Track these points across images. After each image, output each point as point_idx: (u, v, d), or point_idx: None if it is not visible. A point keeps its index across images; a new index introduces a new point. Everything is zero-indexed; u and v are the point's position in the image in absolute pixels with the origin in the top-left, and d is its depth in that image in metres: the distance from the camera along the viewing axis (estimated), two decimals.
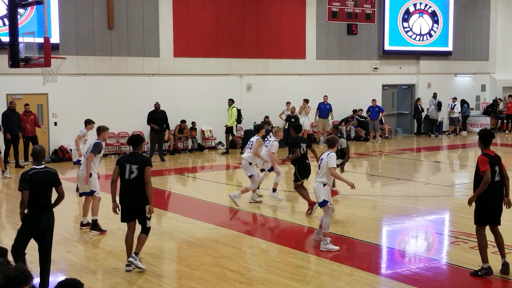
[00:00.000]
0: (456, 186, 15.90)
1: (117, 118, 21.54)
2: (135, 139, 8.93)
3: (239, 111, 22.92)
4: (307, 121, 24.45)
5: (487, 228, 8.53)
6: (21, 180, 7.68)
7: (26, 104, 19.45)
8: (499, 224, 8.52)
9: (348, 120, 26.72)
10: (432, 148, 24.42)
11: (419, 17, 28.82)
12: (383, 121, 27.33)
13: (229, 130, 22.73)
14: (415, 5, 28.67)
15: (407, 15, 28.44)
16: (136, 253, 8.71)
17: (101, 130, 11.47)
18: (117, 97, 21.70)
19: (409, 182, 16.41)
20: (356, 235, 10.57)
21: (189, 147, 23.01)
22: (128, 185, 8.60)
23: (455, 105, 28.82)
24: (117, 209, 8.85)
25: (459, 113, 28.96)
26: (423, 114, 28.53)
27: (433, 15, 29.17)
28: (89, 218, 11.24)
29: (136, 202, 8.62)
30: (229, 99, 22.70)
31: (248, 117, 24.36)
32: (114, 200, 8.87)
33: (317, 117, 25.22)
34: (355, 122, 26.95)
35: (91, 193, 11.21)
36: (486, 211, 8.40)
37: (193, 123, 23.10)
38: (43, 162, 7.96)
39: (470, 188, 15.58)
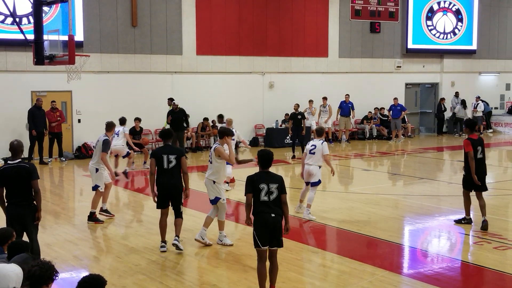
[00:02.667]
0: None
1: (140, 116, 21.59)
2: (168, 133, 9.66)
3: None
4: (313, 122, 24.07)
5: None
6: None
7: (53, 101, 19.69)
8: (482, 191, 10.86)
9: (369, 118, 26.58)
10: (456, 147, 24.18)
11: (443, 15, 28.56)
12: (406, 119, 27.16)
13: None
14: (439, 3, 28.41)
15: (431, 13, 28.20)
16: (177, 236, 9.46)
17: (111, 126, 11.92)
18: (140, 95, 21.84)
19: (431, 181, 16.28)
20: (378, 234, 10.51)
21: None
22: (167, 173, 9.27)
23: (478, 104, 28.52)
24: (155, 198, 9.46)
25: (482, 111, 28.66)
26: (445, 114, 28.24)
27: (457, 13, 28.88)
28: (96, 211, 11.64)
29: (174, 189, 9.35)
30: (169, 98, 21.10)
31: (270, 116, 24.38)
32: (153, 190, 9.50)
33: (339, 116, 25.11)
34: (377, 120, 26.81)
35: (95, 187, 11.55)
36: (471, 180, 10.73)
37: (213, 121, 23.12)
38: (21, 157, 8.17)
39: (494, 188, 15.48)
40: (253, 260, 9.04)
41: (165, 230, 9.57)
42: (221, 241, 9.86)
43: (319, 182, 11.65)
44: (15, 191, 7.83)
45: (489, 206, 12.86)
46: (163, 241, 9.58)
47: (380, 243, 10.11)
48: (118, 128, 15.87)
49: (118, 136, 15.90)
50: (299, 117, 21.23)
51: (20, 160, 8.01)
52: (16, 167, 7.83)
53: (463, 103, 27.95)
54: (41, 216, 8.16)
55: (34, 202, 7.98)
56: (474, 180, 10.67)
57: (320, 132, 11.85)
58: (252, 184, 7.23)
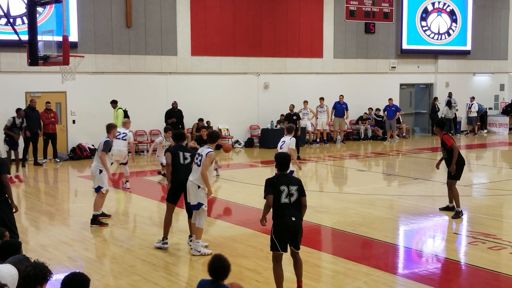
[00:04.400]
0: (474, 186, 15.78)
1: (134, 116, 21.57)
2: (182, 134, 10.08)
3: (125, 112, 20.44)
4: (309, 123, 24.22)
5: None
6: None
7: (48, 102, 19.65)
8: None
9: (363, 119, 26.63)
10: None
11: (437, 16, 28.63)
12: (401, 120, 27.22)
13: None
14: (433, 4, 28.49)
15: (425, 14, 28.27)
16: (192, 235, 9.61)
17: (112, 127, 11.88)
18: (134, 96, 21.81)
19: (426, 181, 16.30)
20: (373, 235, 10.53)
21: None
22: (184, 169, 9.46)
23: (472, 104, 28.60)
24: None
25: (477, 112, 28.73)
26: (439, 114, 28.28)
27: (452, 14, 28.96)
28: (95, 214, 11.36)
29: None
30: (112, 101, 20.28)
31: (265, 116, 24.40)
32: (170, 181, 9.70)
33: (333, 116, 25.14)
34: (372, 121, 26.85)
35: (98, 188, 11.52)
36: (460, 170, 11.88)
37: (208, 122, 23.08)
38: None
39: (488, 188, 15.54)
40: (249, 261, 9.05)
41: (170, 227, 9.71)
42: (199, 251, 9.27)
43: (291, 173, 11.47)
44: None
45: (483, 206, 12.94)
46: (166, 237, 9.65)
47: (375, 244, 10.13)
48: (125, 131, 15.08)
49: (123, 140, 14.79)
50: (295, 117, 21.27)
51: None
52: None
53: (448, 103, 28.03)
54: (16, 206, 8.68)
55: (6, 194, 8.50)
56: (452, 169, 11.72)
57: (289, 129, 12.65)
58: (272, 186, 7.17)
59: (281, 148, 12.32)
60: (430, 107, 28.48)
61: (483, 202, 13.74)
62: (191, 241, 9.67)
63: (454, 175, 11.84)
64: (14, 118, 17.40)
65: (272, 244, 7.25)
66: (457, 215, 11.68)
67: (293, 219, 7.13)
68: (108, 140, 11.51)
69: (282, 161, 7.43)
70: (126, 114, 20.45)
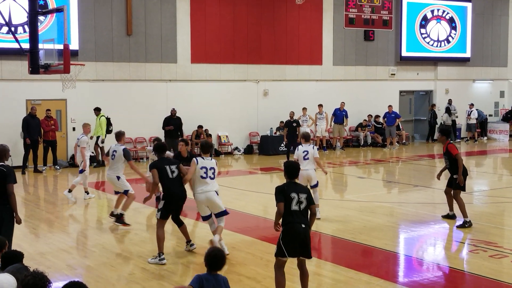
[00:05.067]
0: (475, 194, 15.76)
1: (134, 124, 21.69)
2: (164, 146, 9.97)
3: (108, 119, 20.54)
4: (308, 130, 24.06)
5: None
6: None
7: (48, 110, 19.68)
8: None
9: (363, 125, 26.65)
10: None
11: (436, 23, 28.68)
12: (401, 127, 27.23)
13: (96, 141, 20.55)
14: (432, 11, 28.54)
15: (425, 21, 28.32)
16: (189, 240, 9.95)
17: (122, 134, 12.28)
18: (134, 103, 21.83)
19: (426, 189, 16.29)
20: (373, 243, 10.51)
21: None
22: (174, 182, 9.42)
23: (471, 111, 28.61)
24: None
25: (476, 119, 28.74)
26: (438, 121, 28.29)
27: (451, 21, 29.01)
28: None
29: (184, 199, 9.63)
30: (95, 108, 20.33)
31: (265, 123, 24.42)
32: (151, 196, 10.00)
33: (333, 123, 25.15)
34: (372, 128, 26.86)
35: (126, 192, 12.04)
36: (464, 181, 11.78)
37: (206, 130, 23.04)
38: (4, 161, 8.42)
39: (489, 195, 15.52)
40: (248, 269, 9.03)
41: (164, 241, 9.47)
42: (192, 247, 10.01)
43: (317, 183, 12.23)
44: None
45: (484, 214, 12.92)
46: (162, 252, 9.35)
47: (376, 252, 10.11)
48: (80, 135, 14.77)
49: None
50: (294, 124, 21.28)
51: (2, 163, 8.31)
52: None
53: (447, 110, 28.05)
54: (19, 218, 8.42)
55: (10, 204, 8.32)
56: (459, 180, 11.64)
57: (307, 137, 12.33)
58: (283, 194, 7.20)
59: (305, 158, 12.00)
60: (430, 114, 28.45)
61: (484, 209, 13.72)
62: (191, 245, 9.96)
63: (460, 185, 11.76)
64: None
65: (279, 250, 7.24)
66: (463, 225, 11.50)
67: (303, 226, 7.17)
68: (126, 148, 12.08)
69: (291, 169, 7.48)
70: (109, 122, 20.60)
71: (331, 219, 12.32)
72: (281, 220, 7.26)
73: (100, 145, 20.44)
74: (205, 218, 9.86)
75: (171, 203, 9.47)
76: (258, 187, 16.56)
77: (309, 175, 12.00)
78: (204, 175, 9.59)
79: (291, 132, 21.02)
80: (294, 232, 7.15)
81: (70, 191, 14.32)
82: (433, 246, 10.90)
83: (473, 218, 12.30)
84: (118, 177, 12.08)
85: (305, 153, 12.04)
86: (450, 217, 12.12)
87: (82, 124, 15.50)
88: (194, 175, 9.58)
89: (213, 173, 9.72)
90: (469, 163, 22.54)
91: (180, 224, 9.88)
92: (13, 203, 8.26)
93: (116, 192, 12.43)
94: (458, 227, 11.56)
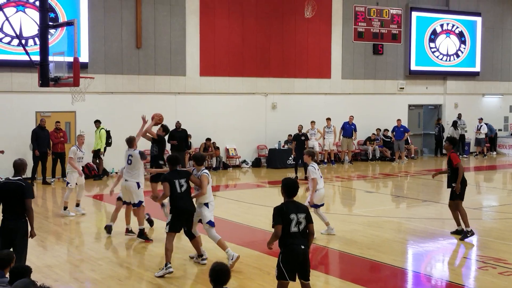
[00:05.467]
0: (484, 209, 15.66)
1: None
2: (176, 158, 9.89)
3: (108, 132, 20.44)
4: (316, 143, 24.12)
5: None
6: None
7: (57, 122, 19.77)
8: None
9: (371, 139, 26.60)
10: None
11: (446, 37, 28.67)
12: (409, 141, 27.15)
13: (97, 154, 20.52)
14: (442, 25, 28.54)
15: (434, 35, 28.31)
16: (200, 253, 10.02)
17: (134, 139, 12.20)
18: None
19: (435, 204, 16.18)
20: (381, 258, 10.44)
21: (214, 166, 23.04)
22: (183, 196, 9.45)
23: (481, 125, 28.52)
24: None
25: (486, 134, 28.66)
26: (444, 135, 28.22)
27: (461, 35, 28.99)
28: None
29: (192, 212, 9.65)
30: (96, 120, 20.35)
31: (273, 136, 24.42)
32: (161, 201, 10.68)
33: (342, 137, 25.12)
34: (380, 141, 26.80)
35: (139, 203, 11.75)
36: (463, 189, 11.92)
37: (213, 143, 23.08)
38: (22, 175, 8.48)
39: (498, 211, 15.41)
40: (255, 284, 8.98)
41: (172, 252, 9.50)
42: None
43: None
44: (10, 207, 8.21)
45: (493, 230, 12.83)
46: (169, 262, 9.42)
47: (383, 267, 10.05)
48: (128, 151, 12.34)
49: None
50: (303, 138, 21.25)
51: (19, 178, 8.37)
52: (13, 184, 8.26)
53: (454, 124, 27.95)
54: (34, 233, 8.45)
55: (27, 218, 8.31)
56: (456, 188, 11.78)
57: (314, 153, 12.36)
58: (282, 215, 6.98)
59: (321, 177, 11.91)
60: (438, 128, 28.32)
61: (493, 225, 13.62)
62: (202, 259, 10.01)
63: (458, 195, 11.87)
64: None
65: (279, 272, 7.05)
66: (465, 235, 11.65)
67: (302, 247, 6.98)
68: (140, 151, 11.98)
69: (291, 187, 7.22)
70: (108, 134, 20.49)
71: (338, 234, 12.25)
72: (278, 242, 7.07)
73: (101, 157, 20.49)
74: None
75: (179, 218, 9.48)
76: (266, 201, 16.53)
77: (322, 194, 12.02)
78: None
79: (299, 145, 20.97)
80: (294, 254, 6.98)
81: (65, 208, 14.29)
82: (441, 262, 10.82)
83: (482, 234, 12.23)
84: (139, 185, 11.69)
85: (319, 171, 11.98)
86: (458, 232, 12.03)
87: (78, 135, 15.30)
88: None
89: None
90: (478, 178, 22.47)
91: (192, 237, 9.85)
92: (30, 218, 8.29)
93: (121, 200, 12.03)
94: (461, 238, 11.68)
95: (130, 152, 11.90)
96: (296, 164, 21.05)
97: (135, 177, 11.77)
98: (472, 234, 11.65)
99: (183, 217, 9.52)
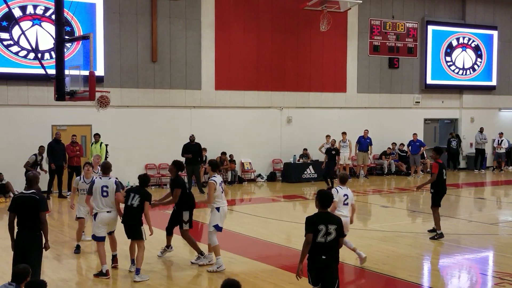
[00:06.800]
0: (501, 224, 15.48)
1: (158, 150, 21.85)
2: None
3: (106, 146, 19.79)
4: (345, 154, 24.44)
5: None
6: (10, 203, 8.47)
7: (73, 135, 19.88)
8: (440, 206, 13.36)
9: (387, 153, 26.47)
10: (477, 184, 23.87)
11: (462, 51, 28.54)
12: (425, 155, 26.98)
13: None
14: (458, 39, 28.43)
15: (450, 49, 28.20)
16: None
17: (111, 166, 10.86)
18: (159, 129, 22.00)
19: (451, 219, 16.02)
20: (397, 274, 10.35)
21: (229, 179, 23.04)
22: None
23: (502, 140, 28.33)
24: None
25: (506, 148, 28.48)
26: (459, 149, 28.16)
27: (477, 49, 28.86)
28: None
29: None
30: (95, 134, 19.84)
31: (288, 150, 24.39)
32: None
33: (357, 151, 25.04)
34: (396, 156, 26.66)
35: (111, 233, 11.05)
36: (439, 197, 13.43)
37: (231, 155, 23.17)
38: (35, 188, 8.60)
39: None
40: None
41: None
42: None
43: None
44: (24, 220, 8.28)
45: (510, 246, 12.66)
46: (202, 252, 10.78)
47: (399, 283, 9.95)
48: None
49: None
50: (333, 152, 21.52)
51: (33, 191, 8.44)
52: (27, 197, 8.32)
53: (457, 137, 27.94)
54: (49, 246, 8.55)
55: (42, 231, 8.38)
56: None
57: (345, 179, 10.97)
58: (312, 225, 7.13)
59: (345, 203, 10.56)
60: (456, 142, 28.14)
61: (510, 241, 13.45)
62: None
63: (434, 201, 13.37)
64: (36, 155, 17.41)
65: (308, 278, 7.32)
66: (434, 237, 13.13)
67: (323, 257, 7.10)
68: (117, 180, 10.65)
69: (326, 197, 7.35)
70: (106, 149, 19.77)
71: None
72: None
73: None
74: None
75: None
76: (281, 215, 16.48)
77: (346, 222, 10.38)
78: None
79: (330, 159, 21.26)
80: (315, 263, 7.15)
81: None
82: (457, 278, 10.69)
83: (499, 250, 12.09)
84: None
85: (346, 197, 10.65)
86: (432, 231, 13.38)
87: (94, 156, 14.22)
88: None
89: None
90: (496, 193, 22.24)
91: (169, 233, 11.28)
92: (45, 231, 8.38)
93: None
94: (430, 238, 13.06)
95: (105, 183, 10.36)
96: (326, 178, 21.50)
97: (112, 205, 10.43)
98: (441, 237, 13.00)
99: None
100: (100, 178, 10.48)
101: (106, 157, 19.90)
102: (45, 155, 19.19)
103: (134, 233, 10.22)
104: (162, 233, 12.03)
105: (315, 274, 7.17)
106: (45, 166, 19.45)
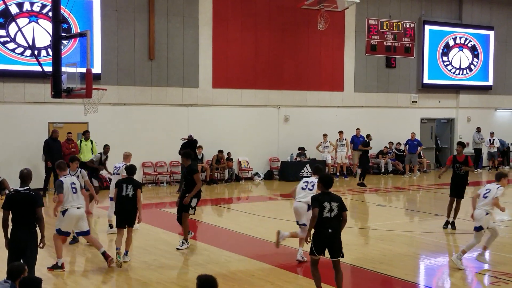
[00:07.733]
0: (496, 224, 15.47)
1: (155, 148, 21.83)
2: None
3: (94, 143, 19.74)
4: (329, 156, 24.60)
5: None
6: (4, 200, 8.39)
7: (69, 133, 19.84)
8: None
9: (384, 153, 26.49)
10: (473, 183, 23.87)
11: (459, 51, 28.59)
12: (422, 154, 27.03)
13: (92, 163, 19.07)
14: (454, 39, 28.47)
15: (447, 49, 28.25)
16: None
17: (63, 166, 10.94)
18: (156, 127, 21.97)
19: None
20: (393, 272, 10.36)
21: (226, 178, 23.03)
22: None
23: (493, 139, 28.44)
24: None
25: (498, 147, 28.63)
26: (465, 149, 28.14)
27: (473, 49, 28.91)
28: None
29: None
30: (86, 131, 19.72)
31: (285, 149, 24.39)
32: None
33: (352, 150, 25.06)
34: (392, 155, 26.69)
35: (88, 232, 10.99)
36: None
37: (228, 153, 23.17)
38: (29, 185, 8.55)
39: (511, 226, 15.24)
40: None
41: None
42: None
43: (480, 227, 10.91)
44: (20, 217, 8.27)
45: (506, 245, 12.69)
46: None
47: (395, 282, 9.96)
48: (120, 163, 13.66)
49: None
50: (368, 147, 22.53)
51: (27, 187, 8.46)
52: (22, 194, 8.33)
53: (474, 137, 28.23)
54: (44, 242, 8.56)
55: (37, 228, 8.39)
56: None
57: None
58: (318, 201, 8.45)
59: (484, 197, 11.03)
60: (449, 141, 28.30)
61: (506, 240, 13.47)
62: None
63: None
64: (101, 153, 17.20)
65: (310, 249, 8.55)
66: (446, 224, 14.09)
67: (330, 230, 8.35)
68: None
69: (328, 180, 8.75)
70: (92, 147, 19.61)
71: (350, 248, 12.15)
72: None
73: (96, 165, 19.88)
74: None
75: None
76: (278, 214, 16.47)
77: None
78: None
79: (364, 152, 22.24)
80: (322, 235, 8.39)
81: (111, 226, 13.46)
82: (453, 277, 10.70)
83: (495, 249, 12.10)
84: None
85: (487, 191, 11.05)
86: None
87: (125, 154, 14.16)
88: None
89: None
90: None
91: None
92: (42, 228, 8.41)
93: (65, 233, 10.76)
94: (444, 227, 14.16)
95: (74, 180, 10.56)
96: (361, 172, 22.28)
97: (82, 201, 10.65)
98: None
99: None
100: (71, 175, 11.15)
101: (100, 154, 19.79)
102: (109, 154, 18.97)
103: (131, 220, 11.03)
104: (154, 229, 12.02)
105: (322, 244, 8.38)
106: (42, 163, 19.39)
